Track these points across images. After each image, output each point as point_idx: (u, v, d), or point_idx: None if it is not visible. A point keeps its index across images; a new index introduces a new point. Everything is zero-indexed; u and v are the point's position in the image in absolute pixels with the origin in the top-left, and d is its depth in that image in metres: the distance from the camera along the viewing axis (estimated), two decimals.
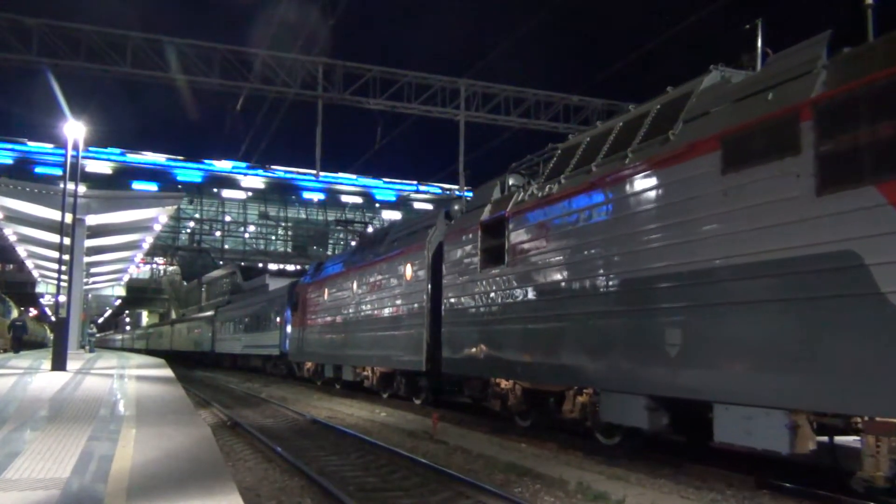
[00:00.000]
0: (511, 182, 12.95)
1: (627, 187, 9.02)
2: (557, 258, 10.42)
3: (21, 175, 56.62)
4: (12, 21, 27.69)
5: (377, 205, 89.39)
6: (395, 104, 33.09)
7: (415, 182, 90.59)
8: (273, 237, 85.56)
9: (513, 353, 11.48)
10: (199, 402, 17.69)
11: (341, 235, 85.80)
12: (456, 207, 15.68)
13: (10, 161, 75.05)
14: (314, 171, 49.45)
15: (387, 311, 17.25)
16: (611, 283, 9.20)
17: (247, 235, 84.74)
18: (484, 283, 12.47)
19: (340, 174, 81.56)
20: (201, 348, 48.35)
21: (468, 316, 13.02)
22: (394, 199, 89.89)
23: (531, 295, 11.04)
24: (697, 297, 7.71)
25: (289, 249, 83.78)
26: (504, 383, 12.25)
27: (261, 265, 68.95)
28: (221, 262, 73.59)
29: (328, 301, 22.31)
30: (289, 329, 27.65)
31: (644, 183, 8.75)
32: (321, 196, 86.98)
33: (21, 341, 33.80)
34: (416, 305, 15.52)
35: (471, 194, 17.09)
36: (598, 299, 9.42)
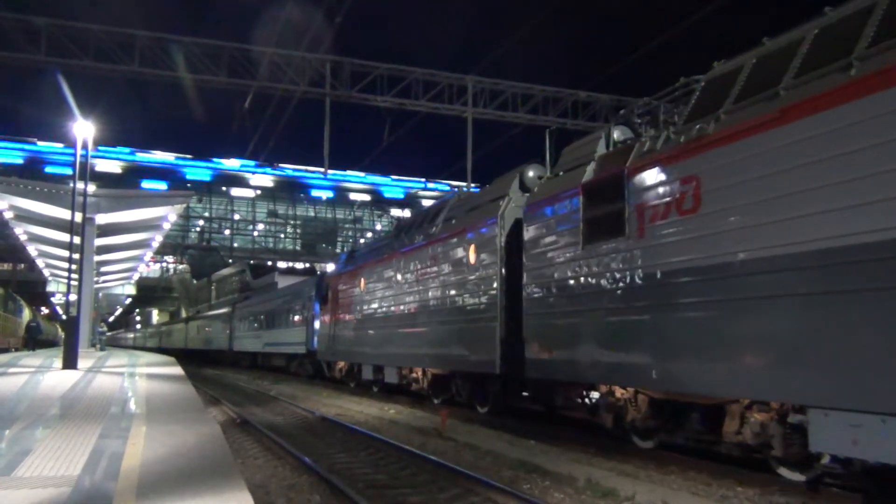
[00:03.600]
0: (616, 135, 10.40)
1: (864, 108, 6.28)
2: (727, 221, 7.48)
3: (31, 174, 57.05)
4: (20, 21, 27.83)
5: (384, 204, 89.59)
6: (403, 101, 33.08)
7: (423, 179, 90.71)
8: (282, 235, 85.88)
9: (637, 351, 8.72)
10: (209, 400, 17.76)
11: (350, 233, 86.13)
12: (531, 174, 12.76)
13: (20, 161, 75.62)
14: (322, 169, 49.55)
15: (443, 302, 14.49)
16: (846, 249, 6.22)
17: (256, 233, 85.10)
18: (590, 261, 9.71)
19: (349, 172, 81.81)
20: (218, 346, 46.90)
21: (565, 305, 10.27)
22: (402, 196, 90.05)
23: (675, 273, 8.17)
24: None
25: (298, 247, 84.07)
26: (620, 392, 9.64)
27: (270, 263, 69.21)
28: (231, 261, 73.88)
29: (365, 293, 19.43)
30: (317, 325, 25.37)
31: None
32: (330, 194, 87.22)
33: (35, 340, 36.71)
34: (485, 294, 12.76)
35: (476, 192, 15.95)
36: (818, 275, 6.47)
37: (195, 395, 12.12)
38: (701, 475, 7.94)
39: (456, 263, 14.01)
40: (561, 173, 11.23)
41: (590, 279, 9.71)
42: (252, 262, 68.12)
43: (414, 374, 16.59)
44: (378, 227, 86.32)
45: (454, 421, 12.80)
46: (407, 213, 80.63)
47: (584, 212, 9.92)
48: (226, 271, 69.49)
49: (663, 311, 8.31)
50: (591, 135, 10.93)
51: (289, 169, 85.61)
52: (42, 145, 78.02)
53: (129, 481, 4.93)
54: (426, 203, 76.47)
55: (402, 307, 16.69)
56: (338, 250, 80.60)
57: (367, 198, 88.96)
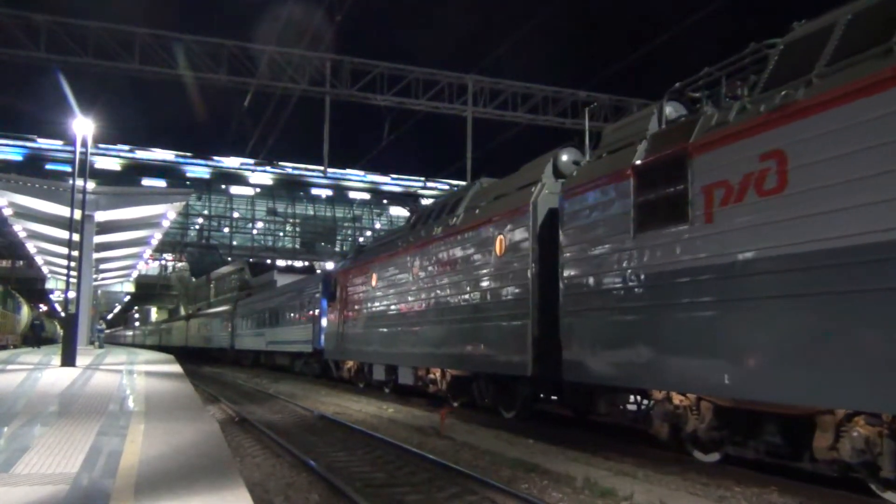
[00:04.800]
0: (668, 111, 9.42)
1: None
2: (823, 201, 6.37)
3: (31, 171, 57.08)
4: (20, 18, 27.85)
5: (385, 200, 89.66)
6: (403, 100, 33.14)
7: (422, 178, 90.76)
8: (281, 233, 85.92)
9: (704, 353, 7.65)
10: (208, 398, 17.75)
11: (349, 232, 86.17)
12: (565, 158, 11.74)
13: (20, 158, 75.70)
14: (322, 168, 49.59)
15: (466, 299, 13.38)
16: None
17: (255, 232, 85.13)
18: (643, 252, 8.66)
19: (348, 170, 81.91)
20: (219, 344, 46.26)
21: (613, 301, 9.19)
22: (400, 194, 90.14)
23: (753, 263, 7.09)
24: None
25: (297, 245, 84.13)
26: (679, 399, 8.57)
27: (269, 261, 69.23)
28: (230, 259, 73.90)
29: (378, 288, 18.23)
30: (324, 322, 24.48)
31: None
32: (329, 192, 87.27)
33: (40, 337, 39.75)
34: (514, 289, 11.66)
35: None
36: None
37: (194, 394, 12.13)
38: (699, 475, 7.94)
39: (480, 256, 12.92)
40: (604, 155, 10.18)
41: (643, 272, 8.63)
42: (251, 260, 68.14)
43: (431, 375, 15.62)
44: (377, 225, 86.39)
45: (452, 420, 12.80)
46: (406, 212, 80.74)
47: (636, 196, 8.84)
48: (225, 269, 69.49)
49: (739, 306, 7.21)
50: (639, 112, 9.97)
51: (288, 167, 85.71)
52: (42, 142, 78.09)
53: (127, 479, 4.93)
54: (425, 202, 76.51)
55: (418, 304, 15.58)
56: (337, 249, 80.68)
57: (366, 196, 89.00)
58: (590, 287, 9.70)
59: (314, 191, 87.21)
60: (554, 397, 11.99)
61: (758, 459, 7.86)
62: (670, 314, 8.14)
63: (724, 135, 7.60)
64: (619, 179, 9.22)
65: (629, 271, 8.88)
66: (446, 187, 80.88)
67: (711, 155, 7.75)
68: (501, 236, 12.15)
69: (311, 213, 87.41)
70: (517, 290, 11.57)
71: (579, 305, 9.91)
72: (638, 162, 8.94)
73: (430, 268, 15.08)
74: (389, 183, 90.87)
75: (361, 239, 75.13)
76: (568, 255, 10.23)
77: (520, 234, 11.61)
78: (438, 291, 14.59)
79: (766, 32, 7.94)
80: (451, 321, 13.92)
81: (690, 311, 7.85)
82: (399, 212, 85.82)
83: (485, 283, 12.71)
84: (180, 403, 10.13)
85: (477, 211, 13.58)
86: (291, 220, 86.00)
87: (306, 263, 65.87)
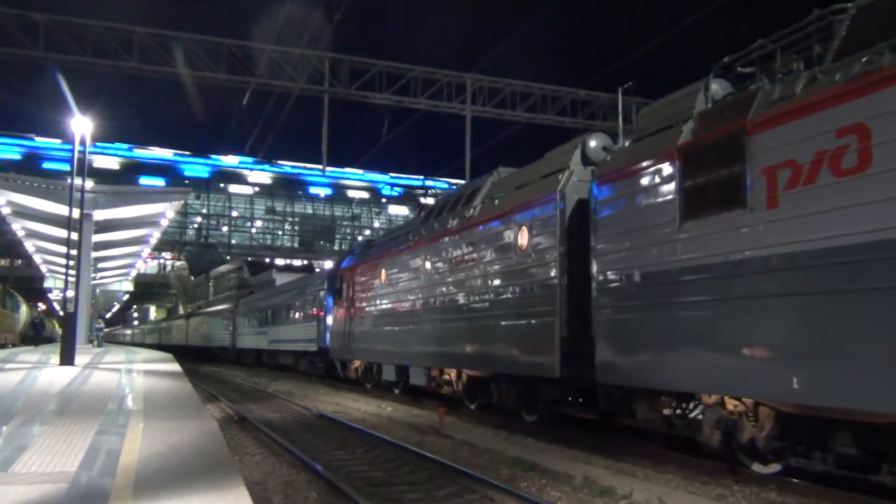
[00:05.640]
0: (714, 88, 8.68)
1: None
2: None
3: (29, 170, 57.09)
4: (19, 16, 27.84)
5: (383, 199, 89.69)
6: (402, 99, 33.16)
7: (421, 177, 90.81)
8: (280, 232, 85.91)
9: (768, 353, 6.82)
10: (207, 397, 17.75)
11: (348, 231, 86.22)
12: (593, 144, 10.97)
13: (17, 156, 75.58)
14: (321, 166, 49.63)
15: (486, 294, 12.51)
16: None
17: (253, 230, 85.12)
18: (691, 242, 7.89)
19: (347, 169, 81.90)
20: (220, 343, 45.54)
21: (656, 295, 8.40)
22: (399, 193, 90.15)
23: (831, 253, 6.24)
24: None
25: (295, 244, 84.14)
26: (734, 404, 7.80)
27: (268, 260, 69.21)
28: (229, 258, 73.85)
29: (387, 285, 17.48)
30: (329, 321, 23.59)
31: None
32: (328, 191, 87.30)
33: (41, 336, 41.79)
34: (539, 284, 10.82)
35: None
36: None
37: (192, 392, 12.14)
38: (698, 473, 7.94)
39: (501, 249, 12.05)
40: (642, 139, 9.41)
41: (692, 263, 7.83)
42: (249, 259, 68.07)
43: (445, 376, 14.81)
44: (376, 224, 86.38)
45: (452, 419, 12.80)
46: (405, 210, 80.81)
47: (682, 181, 8.03)
48: (223, 268, 69.37)
49: (811, 301, 6.41)
50: (682, 89, 9.13)
51: (287, 166, 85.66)
52: (40, 141, 77.92)
53: (126, 478, 4.93)
54: (423, 200, 76.36)
55: (432, 301, 14.72)
56: (336, 248, 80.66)
57: (365, 195, 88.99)
58: (628, 281, 8.90)
59: (313, 189, 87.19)
60: (580, 400, 11.26)
61: (826, 472, 6.98)
62: (724, 310, 7.37)
63: (791, 109, 6.78)
64: (662, 162, 8.41)
65: (674, 263, 8.08)
66: (445, 185, 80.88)
67: (775, 132, 6.91)
68: (525, 228, 11.30)
69: (310, 211, 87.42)
70: (543, 286, 10.73)
71: (615, 301, 9.14)
72: (685, 142, 8.13)
73: (445, 263, 14.25)
74: (388, 182, 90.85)
75: (361, 237, 75.13)
76: (601, 246, 9.42)
77: (545, 225, 10.76)
78: (455, 288, 13.73)
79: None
80: (468, 319, 13.10)
81: (749, 306, 7.03)
82: (398, 210, 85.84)
83: (507, 279, 11.86)
84: (179, 402, 10.13)
85: (496, 201, 12.76)
86: (290, 219, 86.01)
87: (305, 262, 65.84)
